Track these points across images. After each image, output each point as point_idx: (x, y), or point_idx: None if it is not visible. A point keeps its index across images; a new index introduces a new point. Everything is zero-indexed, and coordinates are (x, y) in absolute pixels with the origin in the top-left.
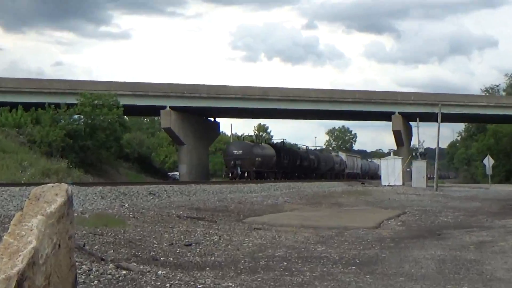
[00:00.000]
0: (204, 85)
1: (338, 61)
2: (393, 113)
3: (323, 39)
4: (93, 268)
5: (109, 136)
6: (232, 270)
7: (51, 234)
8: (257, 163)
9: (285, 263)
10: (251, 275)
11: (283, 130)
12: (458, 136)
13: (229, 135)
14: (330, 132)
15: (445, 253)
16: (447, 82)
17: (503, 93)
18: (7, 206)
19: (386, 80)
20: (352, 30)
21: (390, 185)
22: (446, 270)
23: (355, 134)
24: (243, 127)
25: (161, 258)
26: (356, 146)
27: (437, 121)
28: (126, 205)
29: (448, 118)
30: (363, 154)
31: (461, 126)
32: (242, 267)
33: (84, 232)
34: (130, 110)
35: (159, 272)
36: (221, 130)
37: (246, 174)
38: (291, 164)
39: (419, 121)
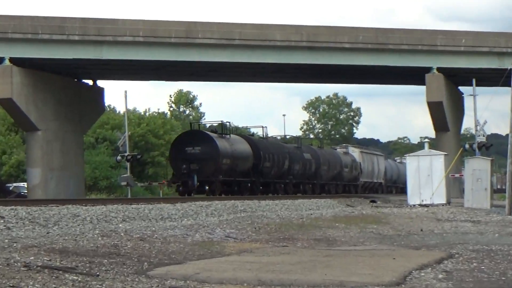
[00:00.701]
0: (75, 18)
1: None
2: (429, 69)
3: None
4: None
5: None
6: None
7: None
8: (224, 168)
9: None
10: None
11: (224, 103)
12: None
13: (122, 112)
14: (311, 106)
15: None
16: None
17: None
18: None
19: (415, 9)
20: None
21: (424, 204)
22: None
23: (358, 109)
24: (150, 96)
25: None
26: (360, 133)
27: (510, 85)
28: None
29: None
30: (374, 147)
31: None
32: None
33: None
34: None
35: None
36: (107, 104)
37: (207, 187)
38: (276, 168)
39: (477, 85)
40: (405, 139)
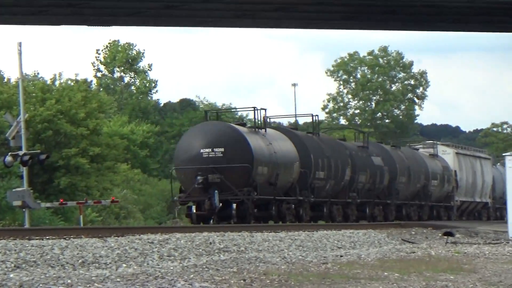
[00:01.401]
0: None
1: None
2: None
3: None
4: None
5: None
6: None
7: None
8: (260, 181)
9: None
10: None
11: (190, 64)
12: None
13: (14, 80)
14: (341, 69)
15: None
16: None
17: None
18: None
19: None
20: None
21: None
22: None
23: (424, 75)
24: (63, 53)
25: None
26: (426, 116)
27: None
28: None
29: None
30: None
31: None
32: None
33: None
34: None
35: None
36: None
37: (235, 209)
38: (332, 181)
39: None
40: (505, 126)
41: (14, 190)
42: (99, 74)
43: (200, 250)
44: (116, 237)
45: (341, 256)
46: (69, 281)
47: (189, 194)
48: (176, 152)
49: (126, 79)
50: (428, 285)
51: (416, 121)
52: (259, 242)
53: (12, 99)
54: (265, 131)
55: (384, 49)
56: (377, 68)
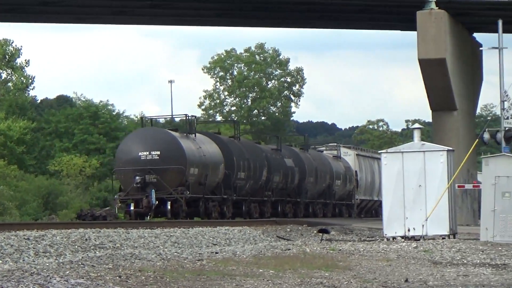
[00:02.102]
0: None
1: None
2: (422, 2)
3: None
4: None
5: None
6: None
7: None
8: (191, 181)
9: None
10: None
11: (67, 60)
12: None
13: None
14: (218, 66)
15: None
16: None
17: None
18: None
19: None
20: None
21: (411, 237)
22: None
23: (300, 72)
24: None
25: None
26: (303, 113)
27: None
28: None
29: None
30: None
31: None
32: None
33: None
34: None
35: None
36: None
37: (170, 206)
38: (252, 181)
39: (506, 31)
40: (380, 123)
41: None
42: None
43: (76, 246)
44: None
45: (216, 253)
46: None
47: (128, 192)
48: (117, 155)
49: (3, 75)
50: (303, 282)
51: (292, 118)
52: (135, 238)
53: None
54: (195, 135)
55: (260, 46)
56: (253, 65)
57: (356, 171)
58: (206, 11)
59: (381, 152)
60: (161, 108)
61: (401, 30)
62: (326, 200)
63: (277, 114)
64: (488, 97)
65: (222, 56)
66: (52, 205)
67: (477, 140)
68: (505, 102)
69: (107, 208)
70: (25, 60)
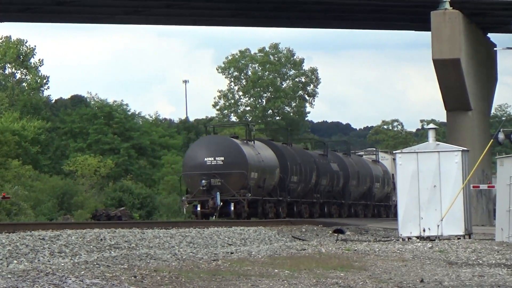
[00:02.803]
0: None
1: None
2: (437, 3)
3: None
4: None
5: None
6: None
7: None
8: (252, 184)
9: None
10: None
11: (81, 61)
12: None
13: None
14: (232, 66)
15: None
16: None
17: None
18: None
19: None
20: None
21: (426, 237)
22: None
23: (315, 72)
24: None
25: None
26: (317, 113)
27: None
28: None
29: None
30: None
31: None
32: None
33: None
34: None
35: None
36: None
37: (233, 207)
38: (303, 184)
39: None
40: (395, 123)
41: None
42: None
43: (91, 246)
44: (7, 233)
45: (232, 253)
46: None
47: (194, 195)
48: (184, 160)
49: (18, 75)
50: (318, 282)
51: (307, 118)
52: (150, 238)
53: None
54: (254, 142)
55: (275, 46)
56: (268, 65)
57: (393, 174)
58: (221, 11)
59: (396, 153)
60: (176, 108)
61: (416, 30)
62: (367, 202)
63: (291, 114)
64: (503, 97)
65: (237, 56)
66: (67, 205)
67: (491, 140)
68: None
69: (122, 208)
70: (39, 60)
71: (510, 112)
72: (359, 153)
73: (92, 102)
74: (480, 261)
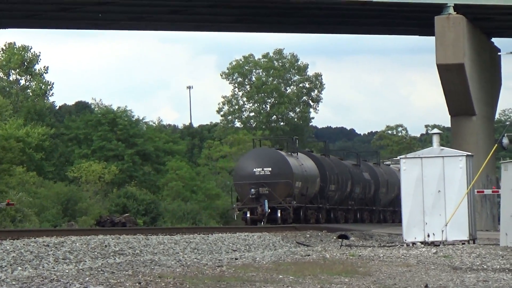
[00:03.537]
0: None
1: None
2: (441, 8)
3: None
4: None
5: None
6: None
7: None
8: (296, 192)
9: None
10: None
11: (83, 66)
12: None
13: None
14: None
15: None
16: None
17: None
18: None
19: None
20: None
21: (431, 242)
22: None
23: (319, 77)
24: None
25: None
26: (321, 118)
27: None
28: None
29: None
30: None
31: None
32: None
33: None
34: None
35: None
36: None
37: (279, 213)
38: (339, 192)
39: None
40: (399, 128)
41: None
42: None
43: (96, 253)
44: (12, 240)
45: (236, 259)
46: None
47: (244, 202)
48: (235, 171)
49: (22, 82)
50: None
51: (311, 124)
52: (154, 245)
53: None
54: (297, 154)
55: (279, 52)
56: (272, 70)
57: None
58: (225, 17)
59: (400, 158)
60: (179, 114)
61: (420, 35)
62: (395, 208)
63: (296, 119)
64: (507, 102)
65: (241, 62)
66: (71, 211)
67: (496, 145)
68: None
69: (126, 214)
70: (44, 67)
71: None
72: (386, 163)
73: (96, 109)
74: (485, 266)
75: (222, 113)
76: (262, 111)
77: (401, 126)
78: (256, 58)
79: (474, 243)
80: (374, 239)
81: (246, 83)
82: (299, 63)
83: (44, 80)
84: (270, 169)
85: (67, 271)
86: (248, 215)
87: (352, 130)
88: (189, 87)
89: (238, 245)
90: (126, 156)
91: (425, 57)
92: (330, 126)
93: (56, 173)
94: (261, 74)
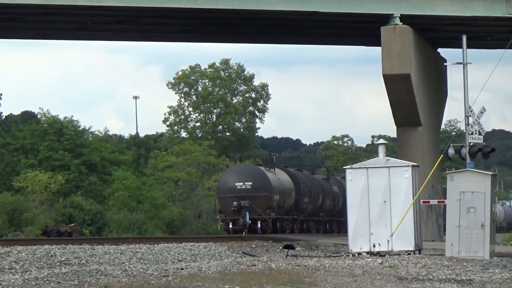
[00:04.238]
0: None
1: None
2: (387, 18)
3: None
4: None
5: None
6: None
7: None
8: (275, 205)
9: None
10: None
11: (31, 77)
12: None
13: None
14: (182, 82)
15: None
16: None
17: None
18: None
19: None
20: None
21: (377, 253)
22: None
23: (265, 87)
24: None
25: None
26: (267, 128)
27: None
28: None
29: None
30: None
31: None
32: None
33: None
34: None
35: None
36: None
37: (259, 224)
38: (312, 204)
39: (470, 47)
40: (345, 139)
41: None
42: None
43: (42, 262)
44: None
45: (182, 269)
46: None
47: (227, 214)
48: (218, 185)
49: None
50: None
51: (257, 134)
52: (100, 255)
53: None
54: (274, 169)
55: (225, 62)
56: (218, 80)
57: None
58: (170, 27)
59: (346, 168)
60: (125, 124)
61: (366, 45)
62: None
63: (242, 130)
64: (453, 112)
65: (187, 72)
66: (17, 221)
67: (442, 155)
68: (470, 118)
69: (72, 224)
70: None
71: (460, 127)
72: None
73: (43, 118)
74: (430, 277)
75: (168, 123)
76: (208, 121)
77: (347, 136)
78: (202, 68)
79: (420, 253)
80: (320, 249)
81: (192, 93)
82: (245, 73)
83: None
84: (250, 183)
85: (13, 281)
86: (231, 226)
87: (298, 141)
88: (135, 97)
89: (184, 255)
90: (72, 166)
91: (370, 68)
92: (276, 137)
93: (2, 183)
94: (207, 84)
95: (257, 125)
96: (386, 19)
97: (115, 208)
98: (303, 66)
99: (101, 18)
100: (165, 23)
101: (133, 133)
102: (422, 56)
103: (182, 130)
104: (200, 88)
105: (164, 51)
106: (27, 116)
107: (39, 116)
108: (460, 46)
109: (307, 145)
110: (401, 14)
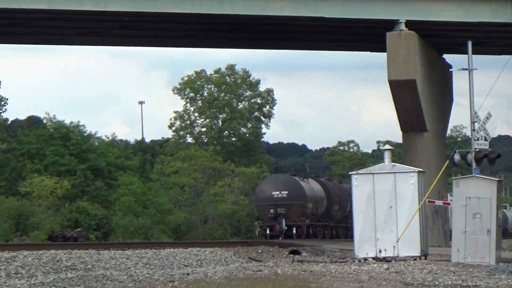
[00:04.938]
0: None
1: None
2: (392, 24)
3: None
4: None
5: None
6: None
7: None
8: (309, 212)
9: None
10: None
11: (36, 81)
12: None
13: None
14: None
15: None
16: None
17: None
18: None
19: None
20: None
21: (382, 258)
22: None
23: (270, 92)
24: None
25: None
26: (273, 134)
27: None
28: None
29: None
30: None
31: None
32: None
33: None
34: None
35: None
36: None
37: (295, 230)
38: (341, 212)
39: (476, 53)
40: (351, 144)
41: None
42: None
43: (48, 267)
44: None
45: (188, 274)
46: None
47: (264, 221)
48: (256, 193)
49: None
50: None
51: (262, 139)
52: (106, 260)
53: None
54: (308, 179)
55: (231, 67)
56: (224, 86)
57: None
58: (176, 32)
59: (352, 174)
60: (131, 129)
61: (371, 51)
62: None
63: (247, 135)
64: (458, 118)
65: (192, 77)
66: (23, 226)
67: (447, 161)
68: (475, 123)
69: (78, 229)
70: None
71: (466, 133)
72: None
73: (49, 123)
74: (436, 282)
75: (173, 128)
76: (213, 126)
77: (352, 142)
78: (208, 74)
79: (425, 259)
80: (325, 254)
81: (198, 98)
82: (250, 78)
83: None
84: (286, 192)
85: (19, 285)
86: (268, 231)
87: (304, 146)
88: (141, 102)
89: (190, 260)
90: (78, 171)
91: (375, 73)
92: (282, 142)
93: (7, 188)
94: (213, 89)
95: (263, 131)
96: (391, 24)
97: (121, 213)
98: (308, 71)
99: (106, 23)
100: (170, 28)
101: (139, 138)
102: (427, 62)
103: (188, 135)
104: (205, 94)
105: (169, 56)
106: (33, 121)
107: (45, 121)
108: (465, 52)
109: (313, 150)
110: (406, 20)
